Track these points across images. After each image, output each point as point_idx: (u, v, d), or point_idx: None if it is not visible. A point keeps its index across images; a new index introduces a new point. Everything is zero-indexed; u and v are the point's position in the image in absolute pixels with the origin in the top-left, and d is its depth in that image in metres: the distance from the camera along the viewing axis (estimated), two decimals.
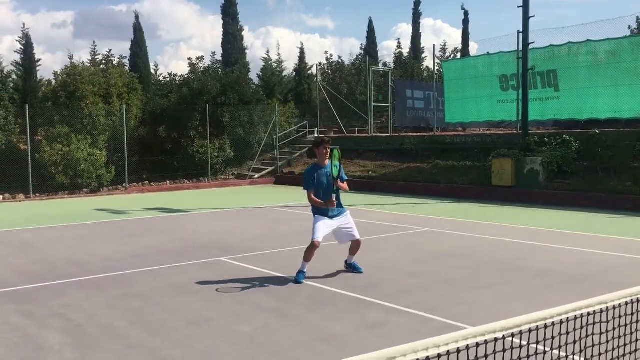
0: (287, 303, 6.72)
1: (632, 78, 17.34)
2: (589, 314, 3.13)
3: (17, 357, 5.14)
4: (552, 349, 3.13)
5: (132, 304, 6.75)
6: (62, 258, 9.50)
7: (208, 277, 7.96)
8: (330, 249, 9.20)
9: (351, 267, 8.21)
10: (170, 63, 66.14)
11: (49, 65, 61.62)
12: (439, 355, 2.41)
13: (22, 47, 30.21)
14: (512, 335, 2.76)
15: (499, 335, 2.65)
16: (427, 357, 2.36)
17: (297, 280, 7.64)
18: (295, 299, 6.88)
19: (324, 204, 7.67)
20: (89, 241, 11.16)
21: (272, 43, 79.89)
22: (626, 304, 3.39)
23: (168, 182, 23.43)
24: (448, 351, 2.44)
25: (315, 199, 7.72)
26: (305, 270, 7.74)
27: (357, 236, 7.99)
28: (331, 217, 7.76)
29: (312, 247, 7.67)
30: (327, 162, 7.73)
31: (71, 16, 66.98)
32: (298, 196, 18.86)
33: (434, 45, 32.92)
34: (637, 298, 3.40)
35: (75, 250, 10.14)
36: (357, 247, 8.09)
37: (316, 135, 27.29)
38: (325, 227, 7.73)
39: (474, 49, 41.04)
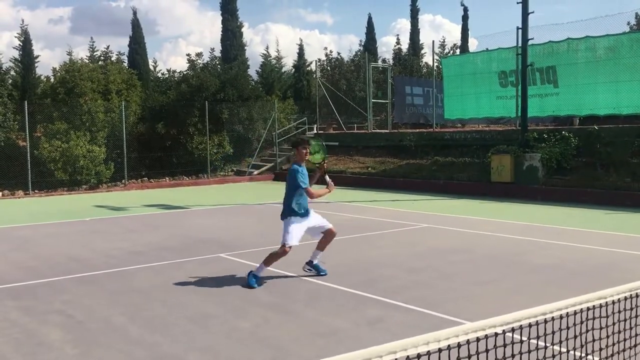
0: (287, 299, 6.74)
1: (631, 74, 17.34)
2: (588, 309, 3.14)
3: (19, 354, 5.14)
4: (552, 344, 3.15)
5: (132, 300, 6.76)
6: (62, 254, 9.50)
7: (208, 273, 7.98)
8: (330, 246, 9.19)
9: (314, 268, 7.74)
10: (169, 59, 66.10)
11: (47, 61, 61.56)
12: (440, 350, 2.42)
13: (21, 44, 30.18)
14: (512, 330, 2.77)
15: (499, 330, 2.66)
16: (428, 351, 2.37)
17: (249, 284, 7.14)
18: (294, 295, 6.89)
19: (327, 190, 7.53)
20: (88, 237, 11.16)
21: (271, 39, 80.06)
22: (625, 299, 3.40)
23: (167, 178, 23.44)
24: (449, 346, 2.45)
25: (318, 191, 7.45)
26: (260, 275, 7.30)
27: (330, 225, 7.63)
28: (306, 216, 7.40)
29: (282, 254, 7.28)
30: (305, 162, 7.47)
31: (68, 12, 66.80)
32: None
33: (433, 41, 32.96)
34: (637, 293, 3.41)
35: (75, 247, 10.15)
36: (330, 239, 7.69)
37: (315, 131, 27.31)
38: (301, 229, 7.35)
39: (473, 45, 41.25)
